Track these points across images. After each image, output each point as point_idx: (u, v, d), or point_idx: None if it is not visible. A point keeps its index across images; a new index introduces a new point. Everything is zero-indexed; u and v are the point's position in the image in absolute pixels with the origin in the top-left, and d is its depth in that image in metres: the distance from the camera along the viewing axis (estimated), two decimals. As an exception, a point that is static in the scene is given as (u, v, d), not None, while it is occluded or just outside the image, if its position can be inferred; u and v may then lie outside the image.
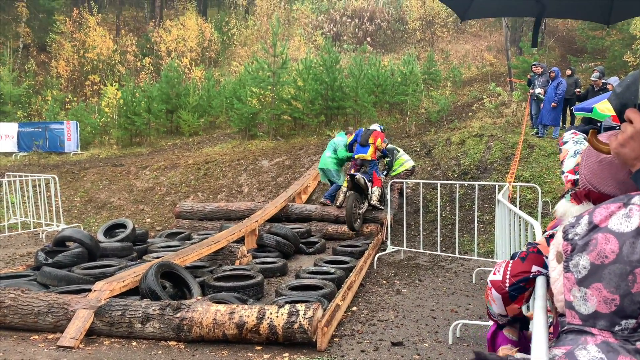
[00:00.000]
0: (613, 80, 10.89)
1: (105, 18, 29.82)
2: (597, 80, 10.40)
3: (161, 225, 10.38)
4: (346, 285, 5.40)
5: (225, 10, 32.47)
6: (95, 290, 4.82)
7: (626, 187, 1.36)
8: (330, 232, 8.78)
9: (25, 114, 21.66)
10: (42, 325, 4.59)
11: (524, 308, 1.66)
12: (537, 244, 1.52)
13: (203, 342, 4.37)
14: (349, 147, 9.38)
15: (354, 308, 5.31)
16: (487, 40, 26.46)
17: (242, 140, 15.80)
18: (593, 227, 1.11)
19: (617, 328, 1.07)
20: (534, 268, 1.50)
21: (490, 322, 1.80)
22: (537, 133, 11.60)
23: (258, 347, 4.27)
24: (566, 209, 1.51)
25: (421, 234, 7.71)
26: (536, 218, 5.91)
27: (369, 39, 26.45)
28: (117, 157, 15.92)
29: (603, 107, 6.03)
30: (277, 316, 4.25)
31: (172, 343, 4.37)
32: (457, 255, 7.19)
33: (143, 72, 25.45)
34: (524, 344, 1.69)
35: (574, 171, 2.22)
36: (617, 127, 1.37)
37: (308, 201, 10.43)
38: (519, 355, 1.60)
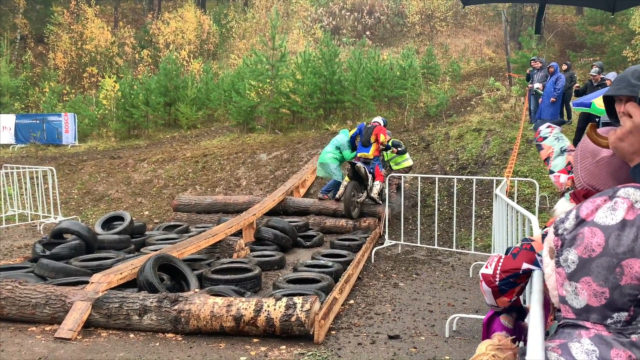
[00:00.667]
0: (612, 76, 10.88)
1: (103, 10, 29.65)
2: (595, 75, 10.39)
3: (159, 218, 10.38)
4: (343, 278, 5.41)
5: (224, 2, 32.30)
6: (92, 283, 4.82)
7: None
8: (328, 226, 8.79)
9: (23, 105, 21.59)
10: (39, 316, 4.60)
11: (522, 299, 1.66)
12: (532, 240, 1.52)
13: (200, 335, 4.38)
14: (351, 141, 9.40)
15: (351, 301, 5.33)
16: (486, 34, 26.39)
17: (240, 133, 15.78)
18: (580, 222, 1.11)
19: (609, 321, 1.07)
20: (524, 265, 1.49)
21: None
22: (535, 128, 11.60)
23: (255, 340, 4.28)
24: (565, 209, 1.51)
25: (419, 228, 7.73)
26: (533, 213, 5.93)
27: (368, 33, 26.36)
28: (114, 150, 15.89)
29: (601, 102, 6.04)
30: (275, 309, 4.26)
31: (169, 335, 4.38)
32: (454, 249, 7.21)
33: (141, 65, 25.35)
34: (518, 334, 1.69)
35: (566, 170, 2.19)
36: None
37: (306, 195, 10.44)
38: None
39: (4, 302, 4.65)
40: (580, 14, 24.66)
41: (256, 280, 5.63)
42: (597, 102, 6.19)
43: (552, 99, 10.92)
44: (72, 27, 26.32)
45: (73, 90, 22.90)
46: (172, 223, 8.86)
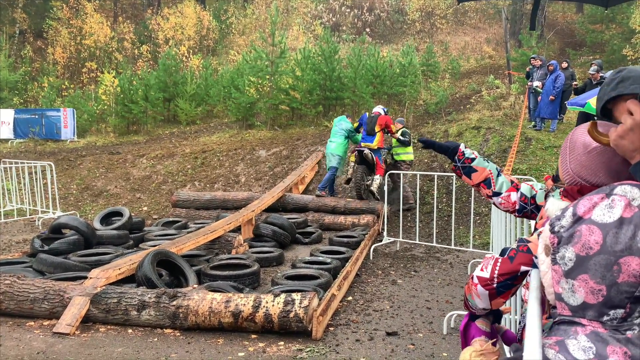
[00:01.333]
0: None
1: (102, 5, 29.57)
2: (594, 74, 10.40)
3: (158, 214, 10.38)
4: (342, 275, 5.42)
5: (224, -2, 32.21)
6: (91, 278, 4.83)
7: (619, 176, 1.35)
8: (327, 223, 8.80)
9: (22, 100, 21.55)
10: (38, 311, 4.60)
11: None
12: (528, 242, 1.51)
13: (199, 330, 4.39)
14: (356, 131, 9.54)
15: (350, 298, 5.34)
16: (486, 32, 26.36)
17: (239, 129, 15.76)
18: (577, 219, 1.11)
19: (605, 318, 1.08)
20: (523, 268, 1.48)
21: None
22: (534, 126, 11.61)
23: (253, 336, 4.29)
24: (559, 207, 1.50)
25: (417, 226, 7.74)
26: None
27: (368, 30, 26.33)
28: (113, 145, 15.87)
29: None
30: (273, 305, 4.27)
31: (167, 331, 4.39)
32: (452, 246, 7.22)
33: (140, 60, 25.29)
34: (494, 337, 1.70)
35: (515, 188, 2.07)
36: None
37: (305, 191, 10.44)
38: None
39: (3, 297, 4.65)
40: (580, 12, 24.65)
41: (255, 277, 5.64)
42: (592, 101, 6.19)
43: (551, 97, 10.93)
44: (71, 22, 26.24)
45: (72, 86, 22.86)
46: (170, 219, 8.86)
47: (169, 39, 25.90)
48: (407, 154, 9.25)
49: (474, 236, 7.45)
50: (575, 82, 11.53)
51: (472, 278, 1.60)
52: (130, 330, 4.40)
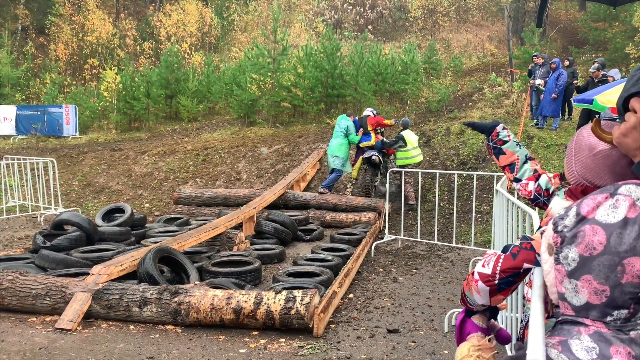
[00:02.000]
0: (614, 73, 10.83)
1: (104, 1, 29.54)
2: (595, 72, 10.36)
3: (159, 211, 10.39)
4: (343, 272, 5.42)
5: (226, -5, 32.15)
6: (93, 274, 4.84)
7: (624, 179, 1.34)
8: (329, 220, 8.80)
9: (24, 96, 21.55)
10: (40, 307, 4.62)
11: None
12: (531, 239, 1.50)
13: (200, 327, 4.40)
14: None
15: (351, 295, 5.34)
16: (488, 30, 26.29)
17: (241, 126, 15.75)
18: (581, 219, 1.10)
19: (609, 318, 1.07)
20: (525, 265, 1.48)
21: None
22: (536, 124, 11.58)
23: (255, 332, 4.30)
24: (562, 206, 1.50)
25: (419, 223, 7.74)
26: (534, 209, 5.92)
27: (370, 27, 26.27)
28: (115, 142, 15.88)
29: (603, 99, 6.01)
30: (274, 302, 4.27)
31: (169, 327, 4.40)
32: (454, 244, 7.22)
33: (142, 57, 25.28)
34: (490, 333, 1.71)
35: (534, 177, 2.09)
36: (617, 119, 1.36)
37: (306, 189, 10.44)
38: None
39: (5, 293, 4.66)
40: (583, 10, 24.55)
41: (256, 274, 5.64)
42: (600, 98, 6.15)
43: (553, 95, 10.90)
44: (73, 18, 26.23)
45: (74, 82, 22.85)
46: (172, 216, 8.87)
47: (171, 36, 25.88)
48: (407, 159, 9.24)
49: (475, 234, 7.44)
50: (576, 81, 11.49)
51: (473, 274, 1.59)
52: (132, 327, 4.41)
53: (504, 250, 1.55)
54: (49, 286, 4.66)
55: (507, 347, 3.48)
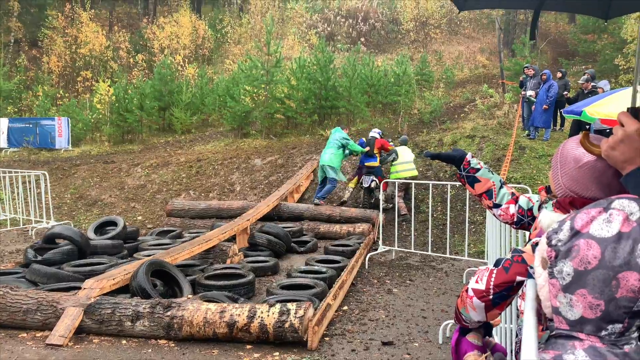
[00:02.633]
0: (603, 84, 10.98)
1: (98, 14, 29.61)
2: (585, 83, 10.49)
3: (152, 223, 10.33)
4: (337, 284, 5.41)
5: (220, 7, 32.37)
6: (85, 288, 4.79)
7: (611, 190, 1.36)
8: (322, 232, 8.78)
9: (16, 109, 21.50)
10: (30, 323, 4.56)
11: None
12: (522, 252, 1.51)
13: (193, 341, 4.36)
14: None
15: (345, 307, 5.32)
16: (480, 42, 26.57)
17: (234, 138, 15.76)
18: (575, 233, 1.10)
19: (604, 333, 1.07)
20: (518, 278, 1.48)
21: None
22: (528, 135, 11.68)
23: (249, 346, 4.27)
24: (552, 219, 1.50)
25: (412, 234, 7.74)
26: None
27: (362, 39, 26.46)
28: (108, 154, 15.82)
29: (592, 110, 6.09)
30: (268, 315, 4.25)
31: (162, 341, 4.36)
32: (448, 255, 7.22)
33: (136, 69, 25.30)
34: (485, 351, 1.70)
35: (514, 201, 2.11)
36: (607, 130, 1.38)
37: (300, 200, 10.43)
38: None
39: (-5, 308, 4.60)
40: (573, 22, 24.90)
41: (250, 286, 5.61)
42: (588, 110, 6.23)
43: (544, 106, 11.01)
44: (66, 30, 26.26)
45: (67, 94, 22.83)
46: (165, 228, 8.82)
47: (165, 48, 25.96)
48: (396, 172, 9.35)
49: (469, 245, 7.45)
50: (566, 93, 11.62)
51: (467, 291, 1.59)
52: (124, 341, 4.37)
53: (496, 264, 1.55)
54: (40, 301, 4.60)
55: None
